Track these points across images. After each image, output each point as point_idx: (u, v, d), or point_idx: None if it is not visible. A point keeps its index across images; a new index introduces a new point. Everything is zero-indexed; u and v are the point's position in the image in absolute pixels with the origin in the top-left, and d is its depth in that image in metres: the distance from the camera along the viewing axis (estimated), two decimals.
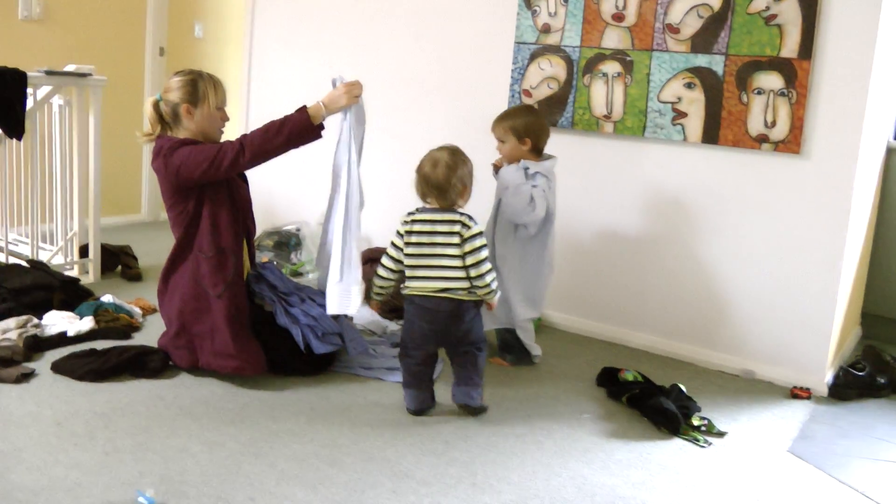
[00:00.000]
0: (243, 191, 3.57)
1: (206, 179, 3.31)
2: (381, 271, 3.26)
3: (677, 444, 3.13)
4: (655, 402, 3.28)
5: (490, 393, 3.43)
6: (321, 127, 3.32)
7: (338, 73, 3.44)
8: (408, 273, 3.18)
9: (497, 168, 3.85)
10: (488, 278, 3.13)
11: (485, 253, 3.13)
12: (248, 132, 3.32)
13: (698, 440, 3.14)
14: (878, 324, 4.65)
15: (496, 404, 3.36)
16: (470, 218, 3.16)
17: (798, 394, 3.69)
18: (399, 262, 3.21)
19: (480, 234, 3.15)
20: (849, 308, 4.08)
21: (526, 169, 3.68)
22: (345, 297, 3.34)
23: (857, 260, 4.02)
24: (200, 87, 3.42)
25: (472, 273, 3.11)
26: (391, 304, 4.25)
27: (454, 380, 3.27)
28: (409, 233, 3.17)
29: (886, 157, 4.48)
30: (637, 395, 3.40)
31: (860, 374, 3.74)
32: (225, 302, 3.35)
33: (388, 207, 4.38)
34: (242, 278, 3.47)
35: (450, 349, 3.25)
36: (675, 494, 2.76)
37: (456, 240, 3.12)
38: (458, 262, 3.12)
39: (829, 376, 3.79)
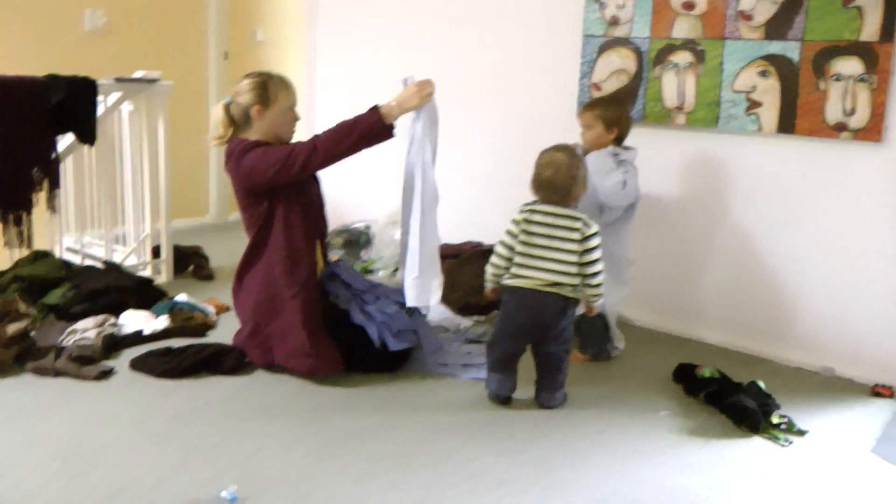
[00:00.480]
0: (315, 191, 3.58)
1: (279, 181, 3.31)
2: (495, 259, 3.25)
3: (757, 442, 3.06)
4: (735, 400, 3.20)
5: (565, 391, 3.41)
6: (392, 127, 3.30)
7: (409, 73, 3.40)
8: (518, 261, 3.19)
9: None
10: (600, 278, 3.18)
11: (599, 254, 3.16)
12: (320, 133, 3.32)
13: (779, 439, 3.07)
14: None
15: (571, 402, 3.32)
16: (589, 217, 3.19)
17: (880, 392, 3.57)
18: (512, 250, 3.21)
19: (597, 234, 3.16)
20: None
21: (616, 155, 3.68)
22: (424, 290, 3.36)
23: None
24: (271, 89, 3.42)
25: (588, 271, 3.15)
26: (464, 302, 4.24)
27: (538, 383, 3.28)
28: (529, 222, 3.18)
29: None
30: (715, 391, 3.32)
31: None
32: (299, 302, 3.35)
33: (456, 206, 4.36)
34: (316, 278, 3.47)
35: (539, 347, 3.24)
36: (755, 498, 2.69)
37: (576, 236, 3.14)
38: (573, 258, 3.14)
39: None
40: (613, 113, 3.75)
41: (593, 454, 2.89)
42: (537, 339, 3.22)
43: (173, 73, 4.98)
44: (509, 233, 3.22)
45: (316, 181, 3.61)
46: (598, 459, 2.86)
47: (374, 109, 3.26)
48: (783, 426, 3.14)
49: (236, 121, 3.46)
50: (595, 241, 3.15)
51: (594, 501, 2.58)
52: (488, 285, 3.32)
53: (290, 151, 3.27)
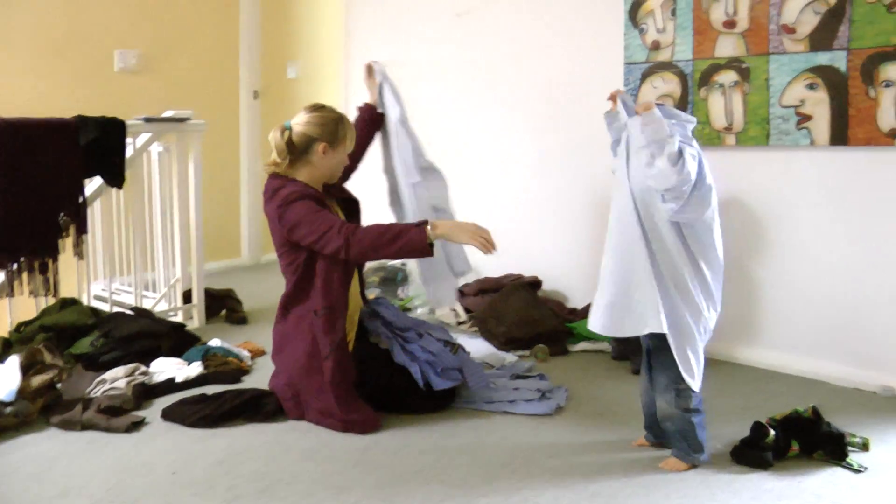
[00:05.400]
0: None
1: (313, 249, 3.18)
2: None
3: (829, 470, 2.87)
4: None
5: (613, 417, 3.27)
6: (432, 246, 3.09)
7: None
8: None
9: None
10: None
11: None
12: (360, 228, 3.12)
13: (851, 465, 2.89)
14: None
15: (626, 424, 3.15)
16: None
17: None
18: None
19: None
20: None
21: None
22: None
23: None
24: (341, 131, 3.28)
25: None
26: (509, 336, 4.11)
27: None
28: None
29: None
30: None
31: None
32: (331, 364, 3.19)
33: (496, 237, 4.24)
34: (346, 337, 3.31)
35: None
36: None
37: None
38: None
39: None
40: None
41: (664, 486, 2.73)
42: None
43: (204, 112, 4.91)
44: None
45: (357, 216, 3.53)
46: (666, 491, 2.70)
47: (423, 229, 3.04)
48: (854, 447, 3.00)
49: (295, 150, 3.27)
50: None
51: None
52: None
53: (327, 230, 3.08)
